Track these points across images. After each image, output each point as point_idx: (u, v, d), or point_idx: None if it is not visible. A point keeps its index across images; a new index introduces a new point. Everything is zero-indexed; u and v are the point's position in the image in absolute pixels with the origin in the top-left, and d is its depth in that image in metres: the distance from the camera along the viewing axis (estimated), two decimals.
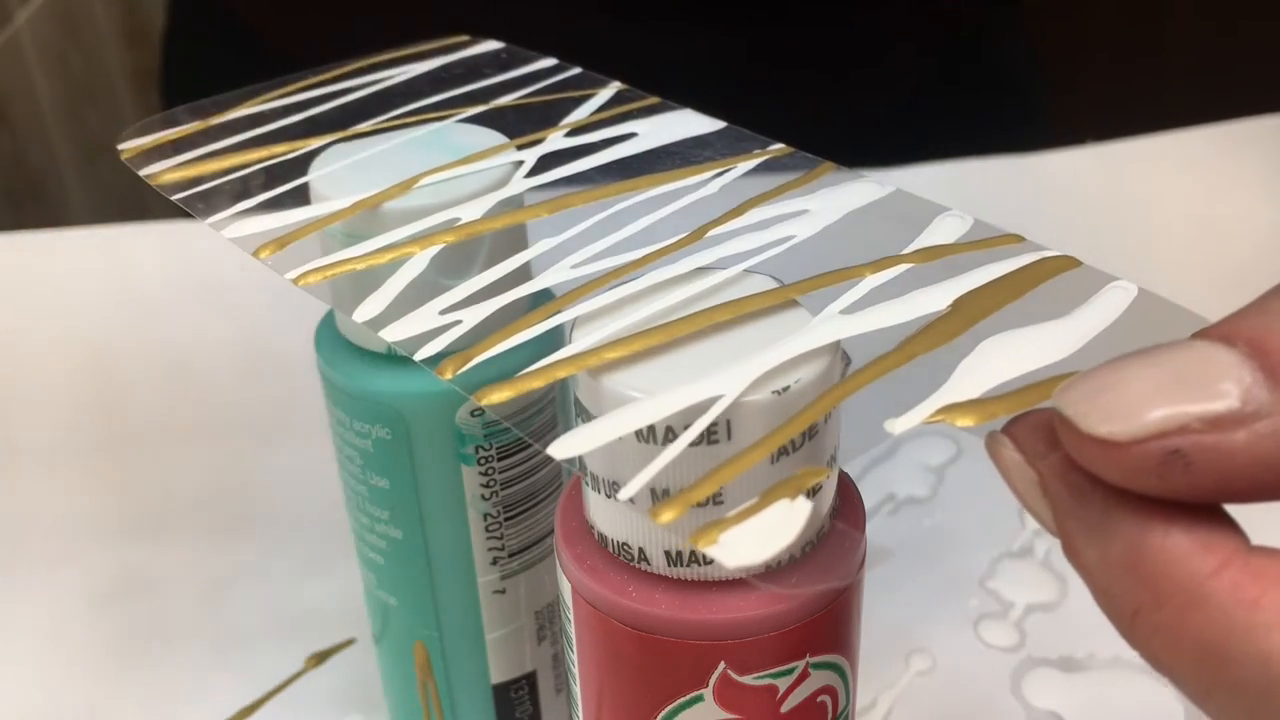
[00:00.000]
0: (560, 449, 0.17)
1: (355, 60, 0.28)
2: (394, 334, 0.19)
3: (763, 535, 0.15)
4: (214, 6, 0.56)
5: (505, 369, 0.18)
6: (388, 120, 0.26)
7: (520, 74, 0.27)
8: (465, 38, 0.29)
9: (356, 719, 0.33)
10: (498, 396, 0.17)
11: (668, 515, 0.16)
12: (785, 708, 0.20)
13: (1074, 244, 0.20)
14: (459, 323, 0.19)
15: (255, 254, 0.21)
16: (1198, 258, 0.47)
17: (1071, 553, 0.16)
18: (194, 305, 0.48)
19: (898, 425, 0.16)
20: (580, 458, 0.20)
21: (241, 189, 0.23)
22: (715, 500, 0.17)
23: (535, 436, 0.25)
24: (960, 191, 0.22)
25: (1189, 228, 0.50)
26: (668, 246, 0.20)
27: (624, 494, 0.16)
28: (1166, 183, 0.52)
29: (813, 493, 0.17)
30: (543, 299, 0.20)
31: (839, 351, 0.18)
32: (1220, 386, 0.14)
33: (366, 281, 0.20)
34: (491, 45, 0.29)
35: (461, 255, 0.22)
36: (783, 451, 0.17)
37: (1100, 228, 0.49)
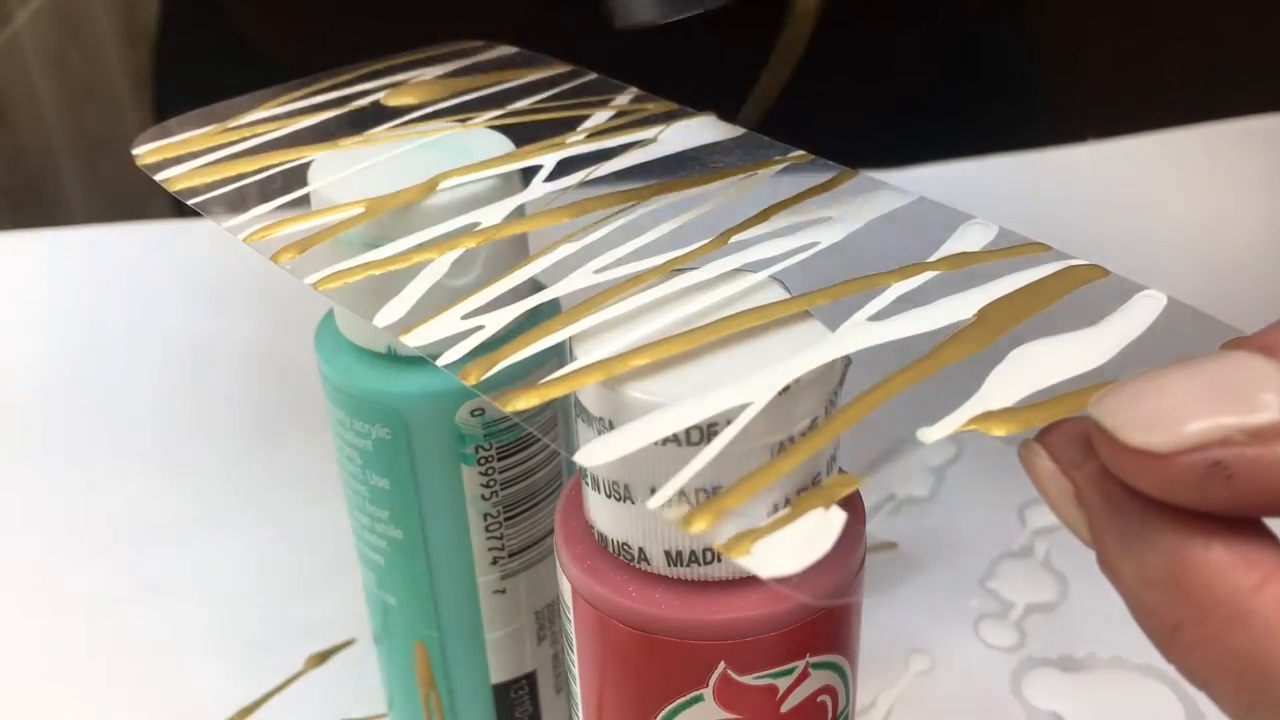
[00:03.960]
0: (586, 457, 0.17)
1: (370, 63, 0.28)
2: (417, 339, 0.19)
3: (797, 545, 0.15)
4: (208, 15, 0.56)
5: (528, 374, 0.18)
6: (403, 124, 0.25)
7: (536, 79, 0.27)
8: (480, 43, 0.29)
9: (356, 719, 0.33)
10: (523, 403, 0.17)
11: (699, 525, 0.16)
12: (785, 708, 0.20)
13: (1074, 242, 0.20)
14: (481, 328, 0.19)
15: (274, 258, 0.21)
16: (1197, 256, 0.47)
17: (1107, 565, 0.15)
18: (194, 305, 0.48)
19: (930, 434, 0.16)
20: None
21: (258, 193, 0.23)
22: (731, 515, 0.17)
23: (535, 437, 0.25)
24: (961, 191, 0.22)
25: (1189, 226, 0.50)
26: (691, 252, 0.20)
27: (653, 503, 0.16)
28: (1167, 181, 0.52)
29: (844, 503, 0.17)
30: (565, 304, 0.20)
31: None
32: (1261, 398, 0.14)
33: (386, 286, 0.20)
34: (506, 50, 0.29)
35: (482, 260, 0.22)
36: (781, 450, 0.17)
37: (1100, 225, 0.49)
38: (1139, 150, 0.53)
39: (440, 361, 0.19)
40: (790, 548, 0.15)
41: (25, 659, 0.35)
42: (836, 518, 0.16)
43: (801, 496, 0.16)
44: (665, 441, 0.17)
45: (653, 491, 0.18)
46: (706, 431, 0.17)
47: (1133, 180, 0.52)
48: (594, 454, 0.17)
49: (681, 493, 0.16)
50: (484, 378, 0.18)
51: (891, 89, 0.55)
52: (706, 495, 0.17)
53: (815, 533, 0.15)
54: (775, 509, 0.17)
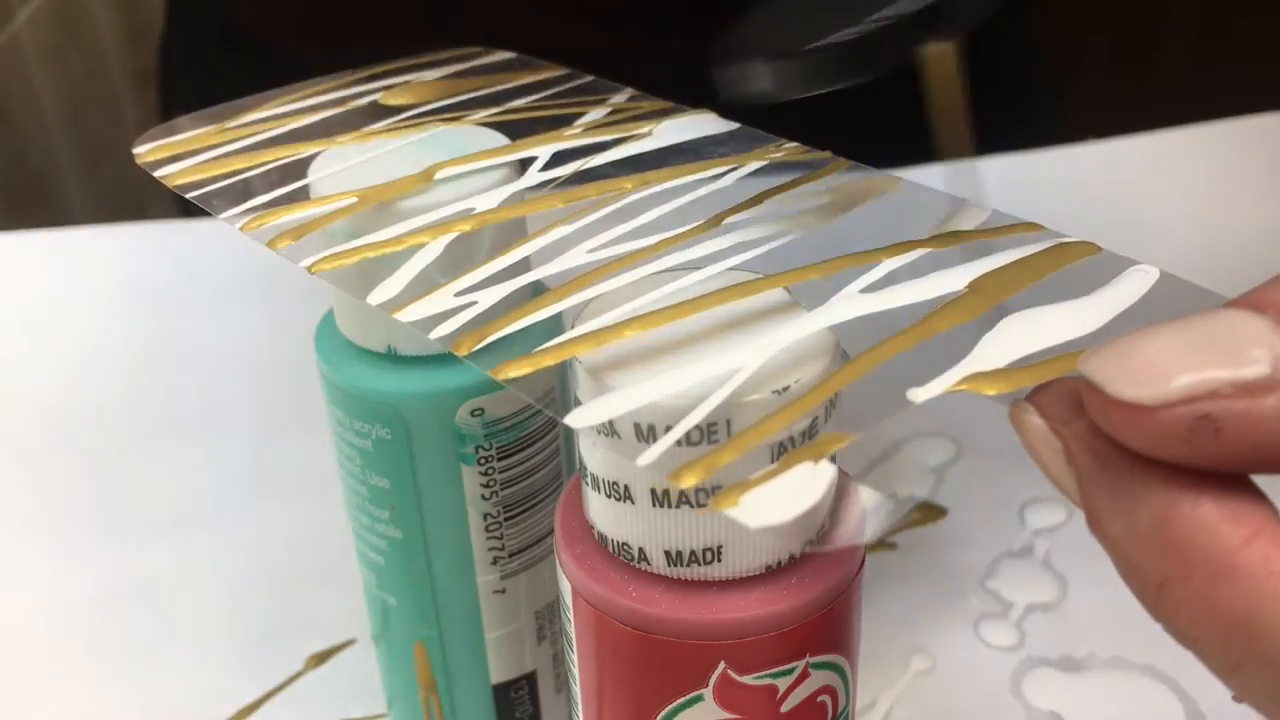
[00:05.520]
0: (575, 419, 0.17)
1: (370, 67, 0.28)
2: (409, 315, 0.19)
3: (785, 497, 0.15)
4: (214, 15, 0.56)
5: (520, 348, 0.18)
6: (400, 121, 0.26)
7: (534, 81, 0.28)
8: (479, 49, 0.30)
9: (356, 719, 0.33)
10: (514, 371, 0.18)
11: (690, 479, 0.16)
12: (785, 708, 0.20)
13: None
14: (474, 303, 0.20)
15: (270, 244, 0.21)
16: (1197, 255, 0.47)
17: (1096, 523, 0.15)
18: (194, 305, 0.48)
19: (920, 394, 0.16)
20: (581, 459, 0.20)
21: (256, 187, 0.23)
22: (709, 489, 0.17)
23: (536, 436, 0.25)
24: (962, 190, 0.23)
25: (1189, 226, 0.50)
26: (684, 233, 0.21)
27: (643, 460, 0.16)
28: (1167, 180, 0.52)
29: (833, 459, 0.17)
30: (558, 281, 0.20)
31: (839, 350, 0.18)
32: (1250, 352, 0.14)
33: (380, 269, 0.21)
34: (505, 55, 0.29)
35: (475, 243, 0.22)
36: (782, 448, 0.17)
37: (1100, 225, 0.49)
38: (1139, 150, 0.53)
39: (432, 335, 0.19)
40: (777, 499, 0.15)
41: (25, 658, 0.35)
42: (825, 471, 0.16)
43: (791, 452, 0.16)
44: (651, 429, 0.17)
45: (653, 492, 0.18)
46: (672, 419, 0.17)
47: (1133, 180, 0.52)
48: (583, 416, 0.17)
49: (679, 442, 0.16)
50: (475, 349, 0.18)
51: (892, 89, 0.55)
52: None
53: (802, 485, 0.15)
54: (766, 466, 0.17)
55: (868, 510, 0.21)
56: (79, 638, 0.35)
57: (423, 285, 0.20)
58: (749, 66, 0.22)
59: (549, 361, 0.18)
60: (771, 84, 0.23)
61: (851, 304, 0.18)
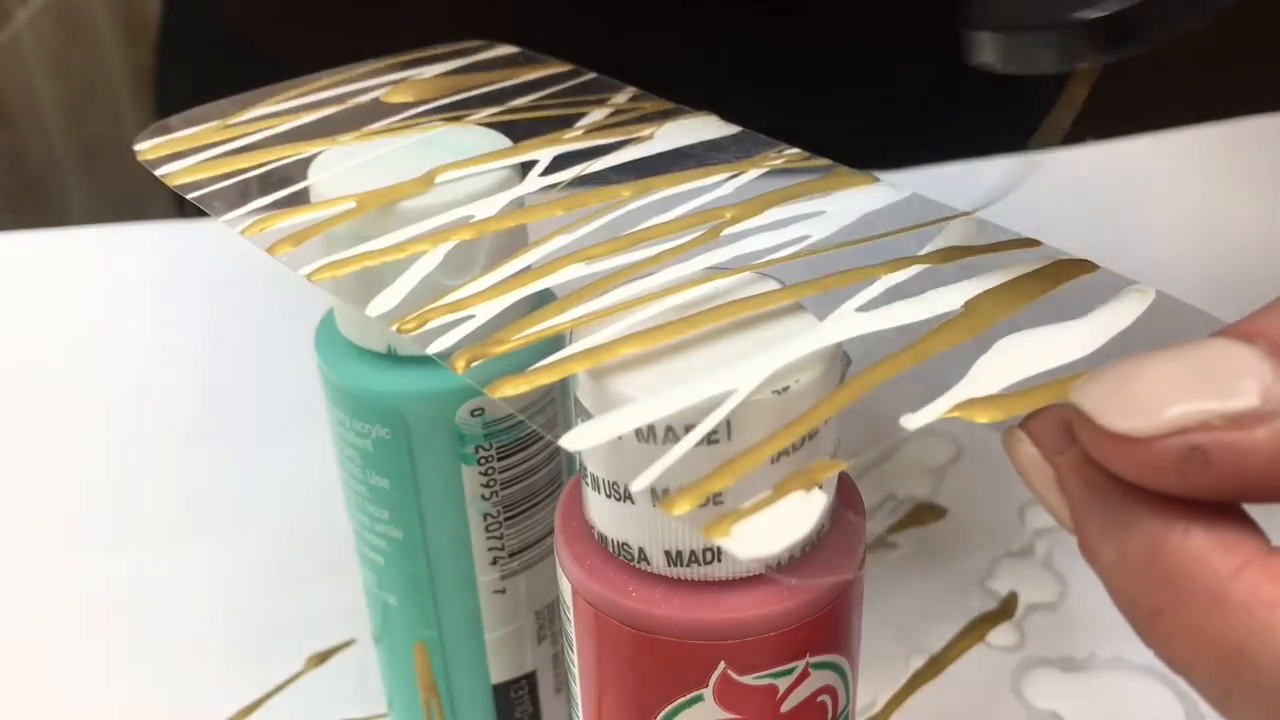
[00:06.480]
0: (572, 441, 0.17)
1: (371, 62, 0.28)
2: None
3: (777, 527, 0.15)
4: (211, 17, 0.56)
5: (518, 363, 0.18)
6: (401, 120, 0.26)
7: (535, 78, 0.27)
8: (481, 42, 0.29)
9: (356, 719, 0.33)
10: (511, 389, 0.17)
11: (682, 506, 0.16)
12: (785, 708, 0.20)
13: (1073, 243, 0.20)
14: (472, 316, 0.19)
15: (270, 250, 0.21)
16: (1197, 257, 0.47)
17: (1088, 551, 0.15)
18: (194, 305, 0.48)
19: (914, 421, 0.16)
20: (581, 459, 0.20)
21: (255, 187, 0.23)
22: (715, 500, 0.17)
23: (536, 436, 0.25)
24: (962, 191, 0.23)
25: (1188, 227, 0.50)
26: (683, 244, 0.20)
27: (636, 486, 0.16)
28: (1166, 182, 0.52)
29: (825, 486, 0.17)
30: (557, 294, 0.20)
31: (840, 352, 0.18)
32: (1241, 384, 0.14)
33: (379, 277, 0.20)
34: (507, 49, 0.29)
35: (474, 252, 0.22)
36: (783, 452, 0.17)
37: (1099, 227, 0.49)
38: (1139, 150, 0.53)
39: (430, 349, 0.19)
40: (769, 529, 0.15)
41: (26, 658, 0.35)
42: (816, 500, 0.16)
43: (783, 480, 0.16)
44: (639, 433, 0.17)
45: (653, 491, 0.18)
46: (671, 429, 0.17)
47: (1133, 180, 0.52)
48: (578, 438, 0.17)
49: (653, 486, 0.16)
50: (473, 365, 0.18)
51: (892, 90, 0.55)
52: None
53: (795, 514, 0.15)
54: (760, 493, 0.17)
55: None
56: (79, 638, 0.35)
57: (421, 295, 0.20)
58: (977, 37, 0.22)
59: (545, 380, 0.18)
60: (994, 57, 0.23)
61: (847, 323, 0.18)
